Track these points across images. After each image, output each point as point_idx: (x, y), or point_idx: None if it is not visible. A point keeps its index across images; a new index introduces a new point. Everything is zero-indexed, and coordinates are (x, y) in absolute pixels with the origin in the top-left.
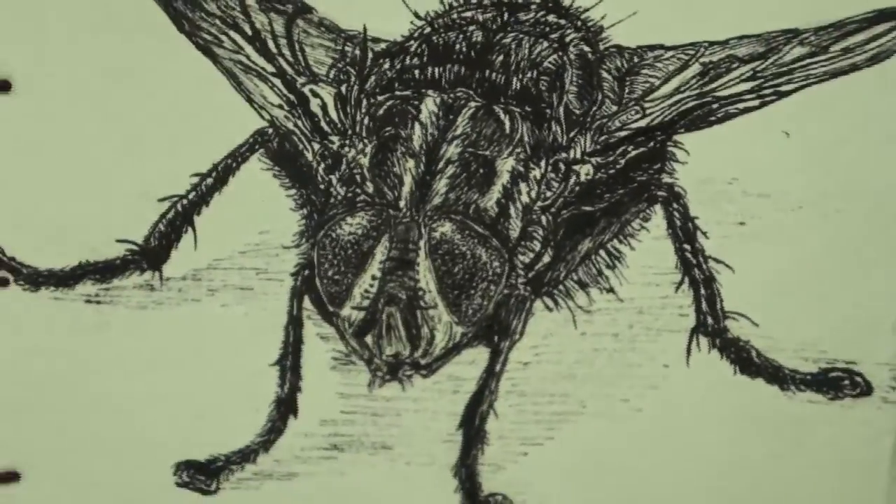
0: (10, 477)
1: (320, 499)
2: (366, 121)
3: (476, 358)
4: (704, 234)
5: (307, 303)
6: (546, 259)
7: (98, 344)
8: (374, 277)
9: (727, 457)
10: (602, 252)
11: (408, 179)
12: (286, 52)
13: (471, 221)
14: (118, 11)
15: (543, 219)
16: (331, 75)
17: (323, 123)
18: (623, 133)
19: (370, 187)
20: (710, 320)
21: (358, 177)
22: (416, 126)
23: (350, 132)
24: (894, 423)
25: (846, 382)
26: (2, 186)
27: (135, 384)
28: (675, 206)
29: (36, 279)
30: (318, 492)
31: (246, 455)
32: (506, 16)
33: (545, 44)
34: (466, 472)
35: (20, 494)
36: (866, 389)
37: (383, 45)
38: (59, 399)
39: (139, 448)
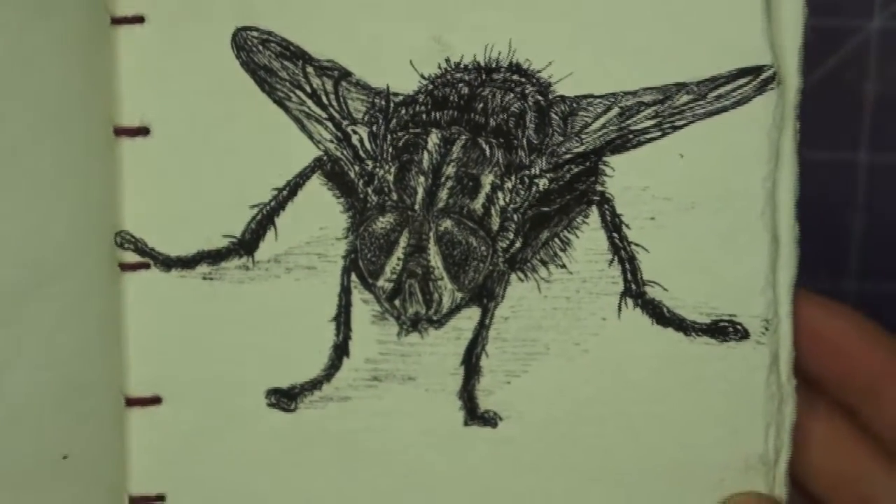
0: (155, 400)
1: (365, 414)
2: (390, 150)
3: (472, 315)
4: (627, 226)
5: (354, 277)
6: (517, 245)
7: (210, 308)
8: (398, 259)
9: (648, 384)
10: (556, 239)
11: (420, 190)
12: (335, 104)
13: (465, 219)
14: (222, 79)
15: (515, 217)
16: (365, 119)
17: (361, 152)
18: (568, 156)
19: (394, 196)
20: (633, 286)
21: (385, 188)
22: (425, 153)
23: (379, 158)
24: (765, 359)
25: (730, 330)
26: (145, 201)
27: (236, 336)
28: (606, 206)
29: (168, 262)
30: (364, 409)
31: (315, 384)
32: (484, 76)
33: (511, 95)
34: (468, 395)
35: (161, 412)
36: (745, 335)
37: (400, 98)
38: (185, 347)
39: (241, 380)
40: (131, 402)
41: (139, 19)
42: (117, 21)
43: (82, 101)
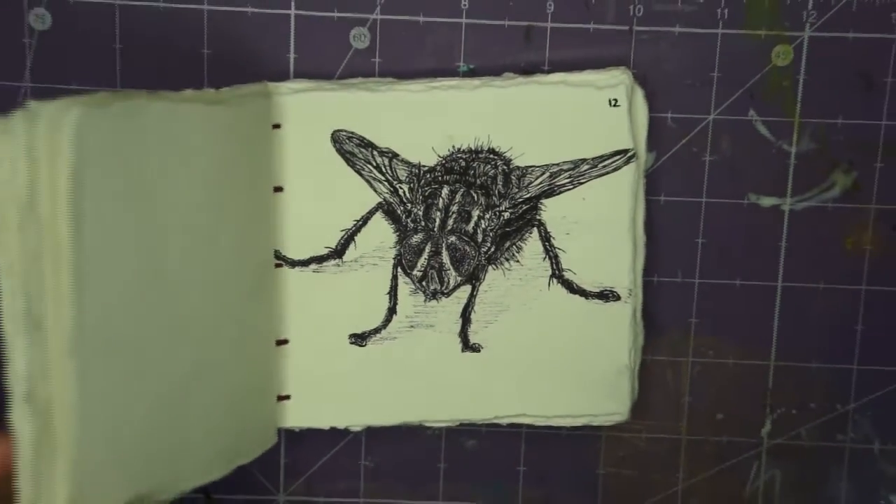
0: (285, 341)
1: (406, 347)
2: (420, 197)
3: (466, 289)
4: (553, 238)
5: (399, 270)
6: (492, 250)
7: (317, 289)
8: (425, 259)
9: (564, 327)
10: (514, 246)
11: (437, 220)
12: (389, 172)
13: (462, 236)
14: (324, 158)
15: (491, 234)
16: (406, 180)
17: (404, 199)
18: (521, 200)
19: (423, 223)
20: (557, 272)
21: (418, 219)
22: (440, 199)
23: (414, 202)
24: (629, 312)
25: (610, 295)
26: (282, 228)
27: (331, 304)
28: (541, 227)
29: (293, 263)
30: (405, 344)
31: (377, 330)
32: (474, 155)
33: (489, 165)
34: (463, 335)
35: (289, 348)
36: (618, 298)
37: (426, 168)
38: (302, 310)
39: (334, 329)
40: (277, 343)
41: (278, 125)
42: (273, 126)
43: (264, 172)
